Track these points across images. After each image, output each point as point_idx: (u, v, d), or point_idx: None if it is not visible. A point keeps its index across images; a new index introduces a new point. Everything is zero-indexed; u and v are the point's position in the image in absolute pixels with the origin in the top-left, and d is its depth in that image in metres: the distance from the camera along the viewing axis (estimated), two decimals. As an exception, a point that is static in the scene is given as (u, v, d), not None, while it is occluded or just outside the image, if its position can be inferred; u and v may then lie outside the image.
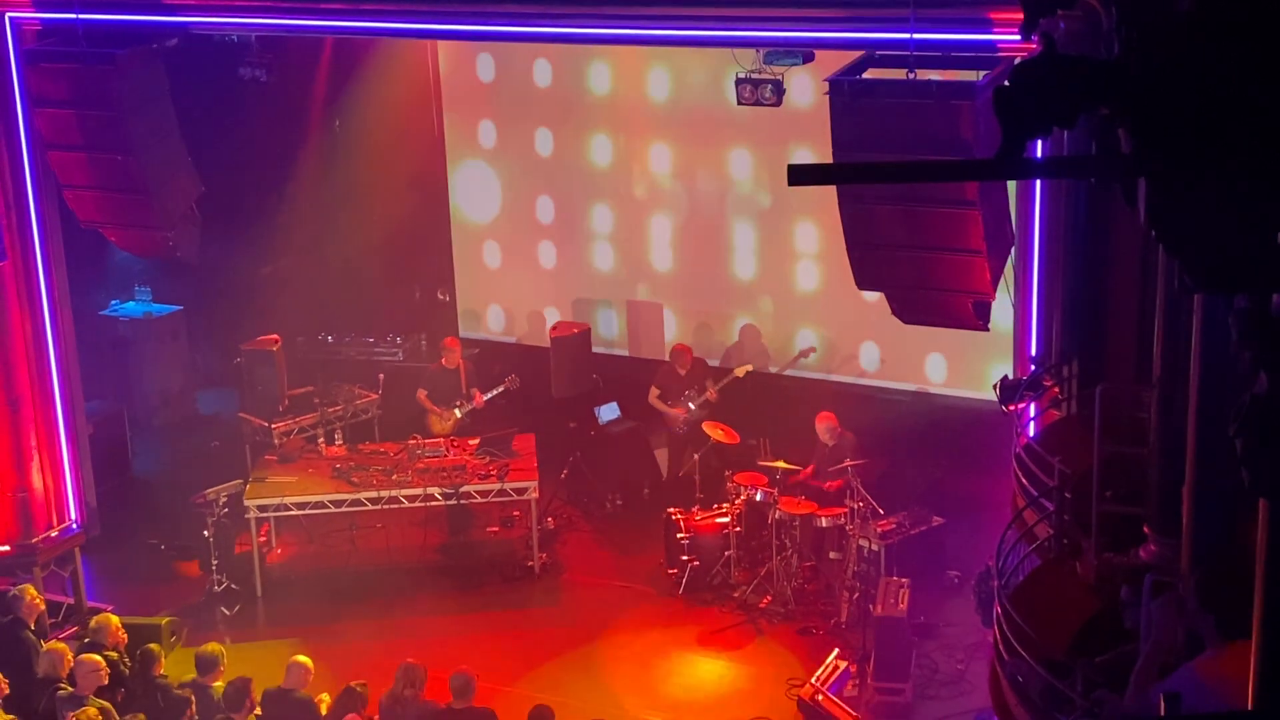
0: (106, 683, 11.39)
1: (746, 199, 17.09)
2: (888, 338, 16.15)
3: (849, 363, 16.89)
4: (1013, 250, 11.41)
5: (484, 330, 18.85)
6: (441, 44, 18.05)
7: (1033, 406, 11.23)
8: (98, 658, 11.52)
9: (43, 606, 12.99)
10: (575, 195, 17.96)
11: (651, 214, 17.63)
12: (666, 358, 16.65)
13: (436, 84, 18.38)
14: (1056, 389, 11.04)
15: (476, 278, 18.81)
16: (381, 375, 17.30)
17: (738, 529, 14.61)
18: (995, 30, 10.65)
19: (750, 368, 16.46)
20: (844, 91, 10.59)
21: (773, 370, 17.12)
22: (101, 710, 11.10)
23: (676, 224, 17.52)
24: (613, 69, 17.38)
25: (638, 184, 17.60)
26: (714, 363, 17.01)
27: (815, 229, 16.50)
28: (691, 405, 16.06)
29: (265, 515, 14.93)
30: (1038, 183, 11.25)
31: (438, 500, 15.05)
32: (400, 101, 18.27)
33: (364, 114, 18.34)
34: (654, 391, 16.30)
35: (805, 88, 14.84)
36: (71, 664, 11.49)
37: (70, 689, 11.33)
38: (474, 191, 18.52)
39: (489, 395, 16.25)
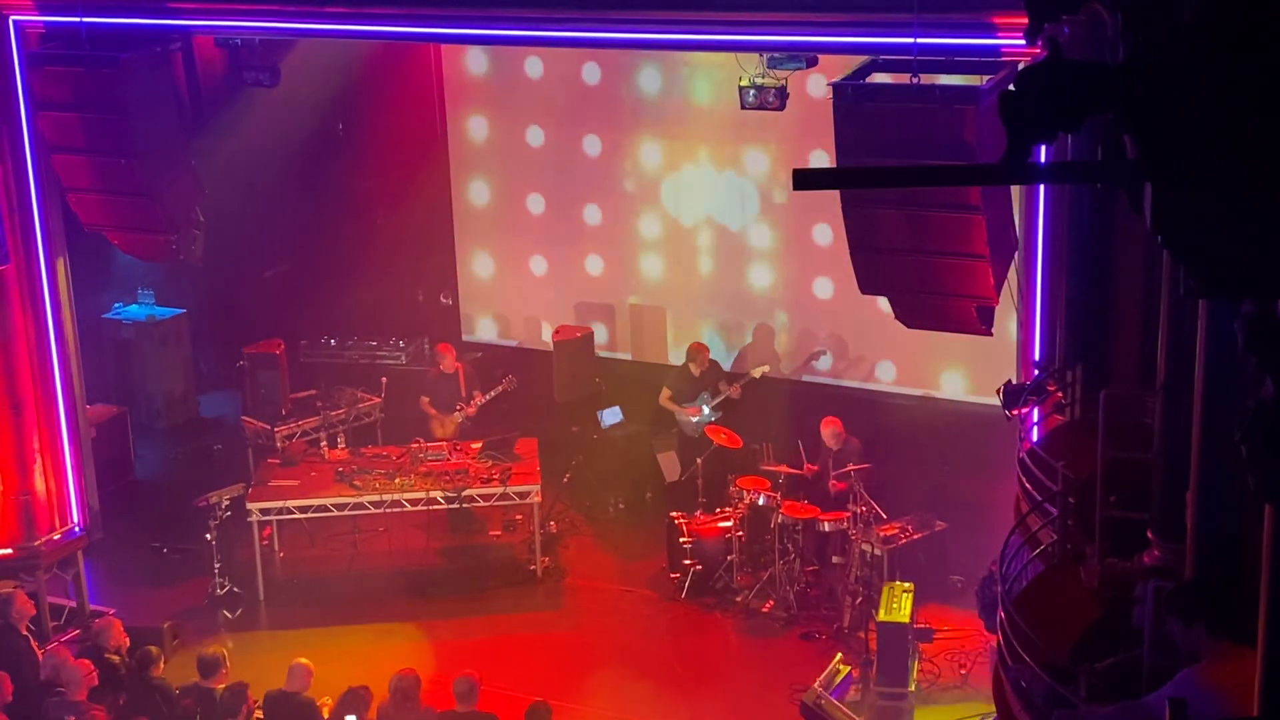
0: (97, 684, 11.40)
1: (755, 200, 17.06)
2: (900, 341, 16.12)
3: (854, 367, 16.86)
4: (1016, 255, 11.40)
5: (487, 334, 18.83)
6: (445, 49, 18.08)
7: (1036, 411, 11.20)
8: (88, 662, 11.53)
9: (34, 611, 12.96)
10: (577, 197, 17.94)
11: (653, 214, 17.62)
12: (669, 361, 16.58)
13: (439, 86, 18.35)
14: (1060, 394, 11.02)
15: (479, 281, 18.79)
16: (384, 379, 17.30)
17: (740, 533, 14.60)
18: (999, 35, 10.64)
19: (767, 368, 16.35)
20: (848, 96, 10.59)
21: (785, 372, 17.04)
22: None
23: (681, 226, 17.50)
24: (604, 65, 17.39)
25: (640, 184, 17.60)
26: (724, 366, 16.94)
27: (829, 233, 16.37)
28: (706, 407, 16.01)
29: (267, 518, 14.93)
30: (1042, 187, 11.23)
31: (440, 504, 15.03)
32: (404, 103, 18.28)
33: (367, 117, 18.35)
34: (665, 393, 16.20)
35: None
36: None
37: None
38: (475, 196, 18.52)
39: (487, 396, 16.24)
